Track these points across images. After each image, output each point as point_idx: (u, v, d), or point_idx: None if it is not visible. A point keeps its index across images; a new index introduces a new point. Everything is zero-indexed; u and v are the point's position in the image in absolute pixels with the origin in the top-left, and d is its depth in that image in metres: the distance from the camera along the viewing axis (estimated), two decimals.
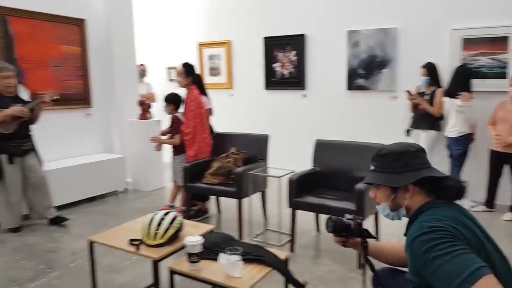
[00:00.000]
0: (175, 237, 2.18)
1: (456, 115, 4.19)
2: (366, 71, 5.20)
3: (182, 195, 4.23)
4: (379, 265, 1.71)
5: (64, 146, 4.91)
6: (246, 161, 3.84)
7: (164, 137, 4.38)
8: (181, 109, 4.23)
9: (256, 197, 3.95)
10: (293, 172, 3.36)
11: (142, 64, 6.46)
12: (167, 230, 2.13)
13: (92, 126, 5.29)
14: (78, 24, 4.99)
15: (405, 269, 1.47)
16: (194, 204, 4.22)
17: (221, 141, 4.17)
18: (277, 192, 3.54)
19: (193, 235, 2.00)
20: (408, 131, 4.64)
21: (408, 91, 4.50)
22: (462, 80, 4.23)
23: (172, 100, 4.20)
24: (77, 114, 5.08)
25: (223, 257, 1.84)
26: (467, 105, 4.13)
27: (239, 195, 3.55)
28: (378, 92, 5.17)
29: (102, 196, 5.02)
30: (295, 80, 5.79)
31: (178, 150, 4.19)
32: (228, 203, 4.40)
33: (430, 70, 4.44)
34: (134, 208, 4.63)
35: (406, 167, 1.42)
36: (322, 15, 5.50)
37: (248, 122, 6.13)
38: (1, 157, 3.71)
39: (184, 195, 4.10)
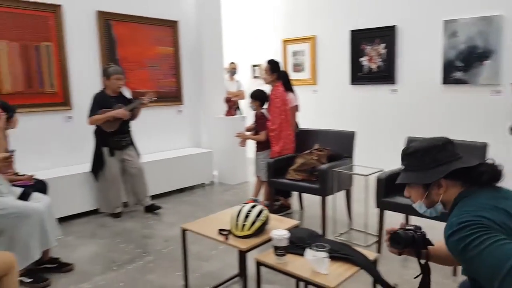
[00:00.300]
0: (261, 229, 2.21)
1: None
2: (464, 63, 4.78)
3: (265, 189, 4.29)
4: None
5: (158, 140, 5.28)
6: (330, 158, 3.77)
7: (248, 133, 4.48)
8: (265, 106, 4.29)
9: (340, 195, 3.86)
10: (381, 170, 3.22)
11: (232, 62, 6.62)
12: (254, 222, 2.18)
13: (183, 122, 5.61)
14: (172, 26, 5.31)
15: None
16: (277, 199, 4.26)
17: (305, 138, 4.14)
18: (364, 191, 3.42)
19: (279, 229, 2.02)
20: None
21: None
22: None
23: (258, 97, 4.27)
24: (170, 111, 5.42)
25: (309, 253, 1.82)
26: None
27: (323, 192, 3.50)
28: (478, 86, 4.72)
29: (190, 188, 5.30)
30: (384, 74, 5.53)
31: (262, 146, 4.26)
32: (311, 200, 4.36)
33: None
34: (220, 200, 4.81)
35: (435, 162, 1.39)
36: (415, 5, 5.18)
37: (333, 118, 6.01)
38: (103, 150, 4.11)
39: (267, 190, 4.16)
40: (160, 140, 5.33)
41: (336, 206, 3.83)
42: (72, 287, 2.78)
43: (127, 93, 4.29)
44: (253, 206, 2.27)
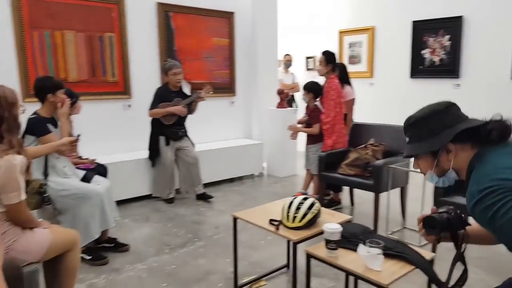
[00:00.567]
0: (312, 222, 2.19)
1: None
2: None
3: (314, 183, 4.24)
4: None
5: (210, 130, 5.39)
6: (386, 154, 3.64)
7: (300, 126, 4.43)
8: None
9: (394, 193, 3.72)
10: None
11: (287, 54, 6.56)
12: (305, 214, 2.16)
13: (235, 114, 5.67)
14: (228, 17, 5.36)
15: None
16: (327, 194, 4.19)
17: (359, 132, 4.02)
18: (421, 189, 3.27)
19: (331, 222, 1.98)
20: None
21: None
22: None
23: (312, 89, 4.20)
24: (222, 102, 5.50)
25: (362, 249, 1.77)
26: None
27: (377, 188, 3.39)
28: None
29: (240, 178, 5.37)
30: (447, 68, 5.24)
31: (314, 139, 4.20)
32: (362, 196, 4.25)
33: None
34: (268, 192, 4.83)
35: (439, 128, 1.32)
36: None
37: (390, 113, 5.78)
38: (160, 139, 4.26)
39: (318, 184, 4.11)
40: (213, 131, 5.43)
41: (390, 204, 3.70)
42: (128, 266, 2.92)
43: (187, 88, 4.40)
44: (305, 199, 2.24)
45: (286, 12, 7.05)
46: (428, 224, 1.43)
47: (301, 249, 2.13)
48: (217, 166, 4.99)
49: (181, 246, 3.27)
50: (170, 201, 4.38)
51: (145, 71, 4.70)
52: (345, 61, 6.41)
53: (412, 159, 1.51)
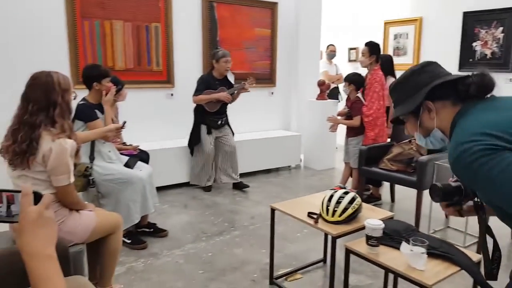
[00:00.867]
0: (353, 217, 2.14)
1: None
2: None
3: (354, 177, 4.16)
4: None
5: (249, 120, 5.39)
6: (431, 150, 3.49)
7: (340, 118, 4.34)
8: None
9: None
10: None
11: (332, 45, 6.38)
12: (346, 209, 2.11)
13: (274, 104, 5.64)
14: (271, 7, 5.32)
15: None
16: (366, 189, 4.10)
17: (403, 126, 3.88)
18: None
19: (372, 218, 1.93)
20: None
21: None
22: None
23: (354, 80, 4.09)
24: (262, 93, 5.48)
25: (405, 247, 1.71)
26: None
27: (420, 185, 3.27)
28: None
29: (276, 169, 5.36)
30: (500, 62, 4.95)
31: (355, 131, 4.10)
32: (403, 193, 4.12)
33: None
34: (305, 184, 4.79)
35: (416, 87, 1.29)
36: None
37: None
38: (201, 127, 4.32)
39: (357, 178, 4.02)
40: (251, 121, 5.43)
41: (433, 202, 3.57)
42: (166, 252, 3.00)
43: (231, 78, 4.42)
44: (346, 193, 2.20)
45: (330, 2, 6.89)
46: (433, 192, 1.40)
47: (339, 244, 2.09)
48: (254, 156, 5.00)
49: (217, 235, 3.31)
50: (207, 189, 4.45)
51: (188, 61, 4.76)
52: (389, 52, 6.19)
53: None
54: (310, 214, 2.23)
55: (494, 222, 1.33)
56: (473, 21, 5.19)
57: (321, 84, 5.34)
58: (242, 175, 4.73)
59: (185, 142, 4.50)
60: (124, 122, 2.91)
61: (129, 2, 4.29)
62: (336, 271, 2.11)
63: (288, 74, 5.66)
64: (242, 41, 5.14)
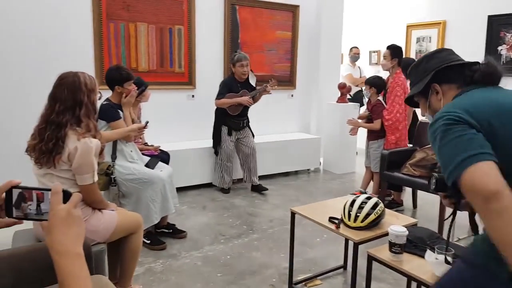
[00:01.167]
0: (375, 223, 2.10)
1: None
2: None
3: (375, 182, 4.09)
4: None
5: (268, 123, 5.38)
6: None
7: (361, 121, 4.29)
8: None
9: None
10: None
11: (355, 47, 6.29)
12: (368, 214, 2.08)
13: (293, 107, 5.62)
14: (292, 10, 5.31)
15: None
16: (388, 194, 4.03)
17: (426, 131, 3.81)
18: None
19: (395, 225, 1.89)
20: None
21: None
22: None
23: (375, 84, 4.05)
24: (282, 95, 5.46)
25: (431, 255, 1.67)
26: None
27: None
28: None
29: (295, 173, 5.32)
30: None
31: (375, 135, 4.05)
32: (426, 199, 4.04)
33: None
34: (325, 188, 4.74)
35: (426, 71, 1.40)
36: None
37: None
38: (222, 128, 4.34)
39: (378, 183, 3.96)
40: (270, 123, 5.42)
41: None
42: (184, 253, 3.00)
43: (253, 80, 4.43)
44: (368, 198, 2.16)
45: (352, 4, 6.83)
46: (429, 181, 1.39)
47: (361, 250, 2.06)
48: (272, 159, 4.98)
49: (236, 237, 3.30)
50: (226, 191, 4.45)
51: (209, 63, 4.79)
52: (412, 56, 6.10)
53: None
54: (331, 219, 2.20)
55: None
56: (498, 25, 5.06)
57: (342, 87, 5.30)
58: (260, 177, 4.72)
59: (205, 143, 4.53)
60: (147, 122, 2.93)
61: (153, 5, 4.34)
62: (357, 278, 2.07)
63: (308, 77, 5.63)
64: (263, 43, 5.15)
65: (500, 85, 1.31)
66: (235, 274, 2.71)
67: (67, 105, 1.92)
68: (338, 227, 2.11)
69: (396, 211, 3.87)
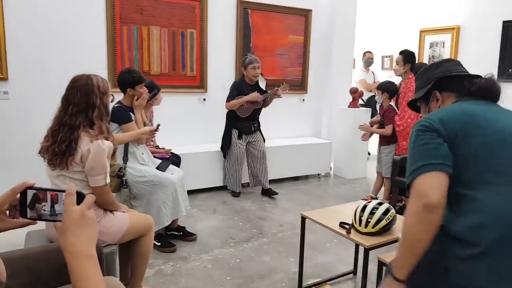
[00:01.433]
0: (386, 228, 2.08)
1: None
2: None
3: (386, 187, 4.06)
4: None
5: (279, 127, 5.38)
6: None
7: (372, 126, 4.27)
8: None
9: None
10: None
11: (369, 52, 6.24)
12: (379, 220, 2.06)
13: (304, 111, 5.61)
14: (305, 14, 5.31)
15: None
16: (399, 200, 3.99)
17: None
18: None
19: None
20: None
21: None
22: None
23: (387, 89, 4.03)
24: (293, 99, 5.46)
25: None
26: None
27: None
28: None
29: (305, 177, 5.30)
30: None
31: (387, 140, 4.02)
32: None
33: None
34: (335, 193, 4.71)
35: (429, 79, 1.47)
36: None
37: None
38: (233, 132, 4.35)
39: (389, 188, 3.93)
40: (281, 127, 5.42)
41: None
42: (194, 256, 3.01)
43: (263, 83, 4.44)
44: (380, 203, 2.14)
45: (365, 9, 6.80)
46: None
47: (371, 255, 2.04)
48: (283, 163, 4.97)
49: (246, 241, 3.30)
50: (236, 194, 4.46)
51: (221, 66, 4.82)
52: (425, 61, 6.05)
53: None
54: (342, 224, 2.18)
55: None
56: None
57: (353, 91, 5.27)
58: (270, 181, 4.71)
59: (215, 146, 4.54)
60: (158, 125, 2.95)
61: (166, 9, 4.38)
62: (367, 284, 2.05)
63: (319, 81, 5.62)
64: (275, 47, 5.16)
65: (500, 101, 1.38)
66: (244, 278, 2.71)
67: (80, 107, 1.94)
68: (349, 232, 2.10)
69: None
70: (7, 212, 0.93)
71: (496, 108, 1.34)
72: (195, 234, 3.31)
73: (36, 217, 0.89)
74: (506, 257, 1.09)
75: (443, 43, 5.85)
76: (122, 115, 2.90)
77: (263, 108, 4.43)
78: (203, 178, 4.50)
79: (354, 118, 5.06)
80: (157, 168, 3.11)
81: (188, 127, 4.72)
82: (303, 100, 5.56)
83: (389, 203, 3.68)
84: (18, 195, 0.89)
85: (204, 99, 4.78)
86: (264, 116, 4.65)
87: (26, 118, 3.76)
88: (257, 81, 4.34)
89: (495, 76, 1.40)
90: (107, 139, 1.97)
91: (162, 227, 3.03)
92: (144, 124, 3.03)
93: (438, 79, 1.44)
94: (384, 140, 4.07)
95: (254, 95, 4.21)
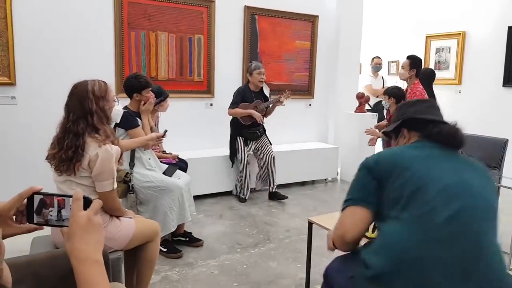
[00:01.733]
0: None
1: None
2: None
3: None
4: None
5: (285, 132, 5.37)
6: None
7: (379, 131, 4.24)
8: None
9: None
10: None
11: (378, 57, 6.20)
12: None
13: (311, 116, 5.60)
14: (312, 20, 5.32)
15: None
16: None
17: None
18: None
19: None
20: None
21: None
22: None
23: (394, 94, 4.01)
24: (300, 104, 5.45)
25: None
26: None
27: None
28: None
29: (312, 182, 5.28)
30: None
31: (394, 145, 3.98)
32: None
33: None
34: (342, 198, 4.59)
35: (402, 115, 1.58)
36: None
37: (479, 122, 5.33)
38: (238, 140, 4.36)
39: None
40: (288, 132, 5.41)
41: None
42: (201, 262, 2.99)
43: (266, 91, 4.45)
44: None
45: (372, 15, 6.80)
46: None
47: None
48: (289, 168, 4.95)
49: (252, 246, 3.28)
50: (243, 199, 4.44)
51: (228, 72, 4.83)
52: (431, 66, 6.02)
53: None
54: None
55: None
56: None
57: (360, 96, 5.26)
58: (277, 186, 4.69)
59: (222, 151, 4.55)
60: (165, 131, 2.95)
61: (174, 14, 4.41)
62: None
63: (326, 86, 5.61)
64: (282, 53, 5.16)
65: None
66: (251, 284, 2.68)
67: (78, 114, 1.94)
68: None
69: None
70: (14, 217, 0.92)
71: (448, 155, 1.39)
72: (201, 240, 3.30)
73: (43, 222, 0.88)
74: (392, 283, 1.24)
75: (449, 48, 5.82)
76: (128, 121, 2.90)
77: (266, 117, 4.44)
78: (210, 183, 4.49)
79: (360, 123, 5.04)
80: (164, 173, 3.10)
81: (195, 132, 4.73)
82: (310, 105, 5.55)
83: None
84: (25, 200, 0.88)
85: (211, 104, 4.79)
86: (271, 121, 4.64)
87: (33, 123, 3.79)
88: (262, 87, 4.35)
89: (458, 125, 1.43)
90: (113, 143, 1.97)
91: (168, 233, 3.02)
92: (151, 130, 3.03)
93: (411, 120, 1.54)
94: (390, 145, 4.03)
95: (256, 115, 4.23)
